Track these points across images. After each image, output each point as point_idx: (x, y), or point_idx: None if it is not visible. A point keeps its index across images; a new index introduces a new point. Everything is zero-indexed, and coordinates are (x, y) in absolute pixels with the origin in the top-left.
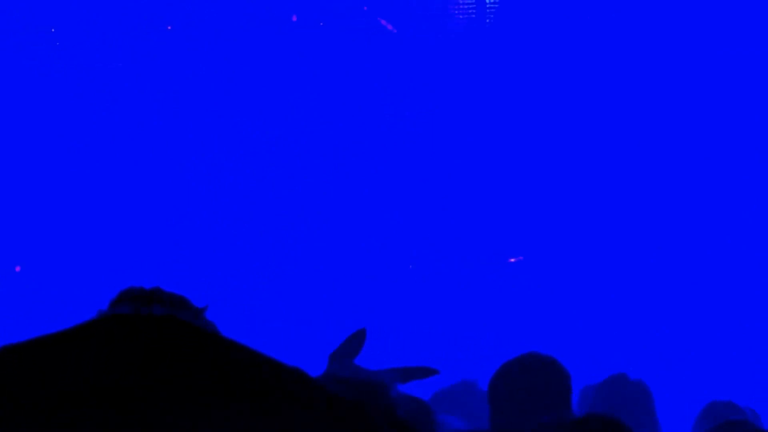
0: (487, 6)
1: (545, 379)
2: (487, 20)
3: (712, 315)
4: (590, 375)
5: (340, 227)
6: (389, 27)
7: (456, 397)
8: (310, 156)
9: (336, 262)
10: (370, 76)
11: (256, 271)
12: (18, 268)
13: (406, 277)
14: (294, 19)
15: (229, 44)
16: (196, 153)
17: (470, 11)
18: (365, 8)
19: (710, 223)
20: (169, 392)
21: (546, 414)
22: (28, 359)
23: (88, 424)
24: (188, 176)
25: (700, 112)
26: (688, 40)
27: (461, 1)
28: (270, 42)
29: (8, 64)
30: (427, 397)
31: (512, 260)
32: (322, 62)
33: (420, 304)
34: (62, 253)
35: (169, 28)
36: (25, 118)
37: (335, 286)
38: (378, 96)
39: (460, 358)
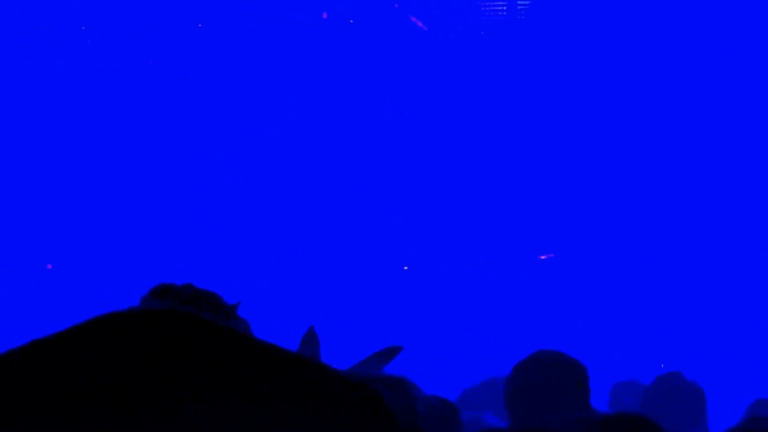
0: (518, 4)
1: (562, 376)
2: (519, 17)
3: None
4: (610, 373)
5: (366, 224)
6: (420, 24)
7: (485, 394)
8: (338, 152)
9: (344, 261)
10: (399, 72)
11: (255, 271)
12: (49, 266)
13: (414, 277)
14: (324, 16)
15: (260, 41)
16: (223, 146)
17: (501, 9)
18: (396, 5)
19: (733, 223)
20: (171, 390)
21: (564, 410)
22: (29, 361)
23: (88, 424)
24: (203, 174)
25: (720, 109)
26: (717, 38)
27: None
28: (301, 39)
29: (39, 60)
30: (453, 397)
31: (543, 257)
32: (352, 59)
33: (430, 304)
34: (93, 251)
35: (200, 25)
36: (55, 117)
37: (336, 286)
38: (406, 92)
39: (476, 357)
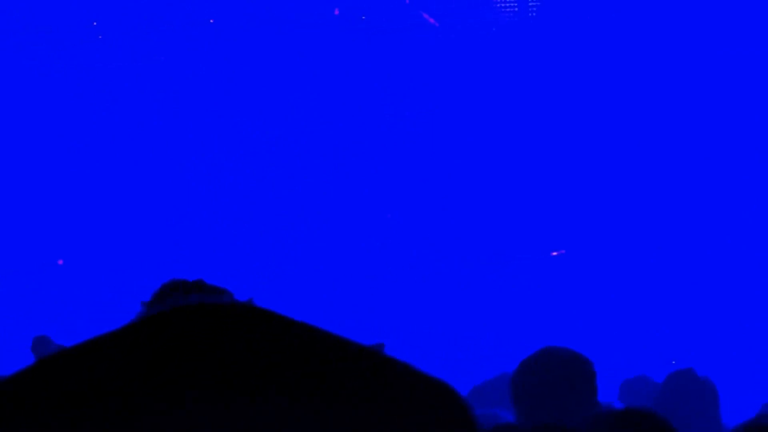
0: (530, 0)
1: (569, 372)
2: (531, 14)
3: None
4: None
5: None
6: (431, 21)
7: (495, 390)
8: (340, 150)
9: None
10: (411, 68)
11: (255, 270)
12: (60, 262)
13: (421, 274)
14: (336, 12)
15: (272, 36)
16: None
17: (513, 6)
18: (407, 1)
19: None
20: (243, 384)
21: (571, 407)
22: (99, 353)
23: (164, 417)
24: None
25: (731, 104)
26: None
27: None
28: (313, 36)
29: (52, 56)
30: (464, 393)
31: (554, 254)
32: (363, 55)
33: (438, 301)
34: (103, 248)
35: (212, 21)
36: (67, 113)
37: (336, 287)
38: (420, 88)
39: (484, 354)
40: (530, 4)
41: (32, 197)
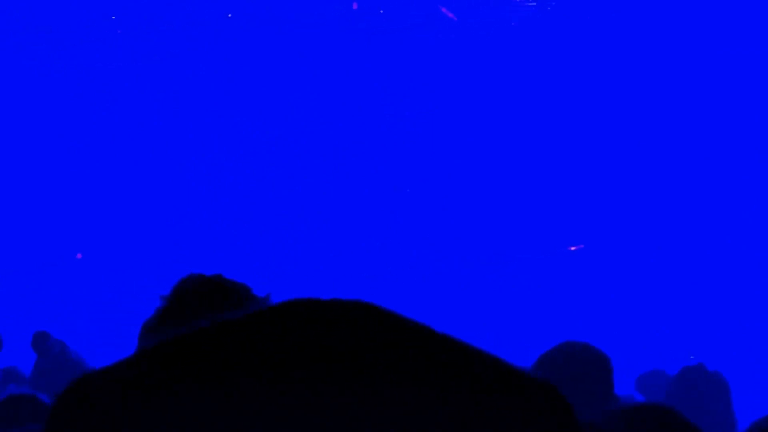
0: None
1: (588, 367)
2: (549, 8)
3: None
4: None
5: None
6: (450, 15)
7: None
8: (341, 148)
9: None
10: (425, 63)
11: (255, 269)
12: (79, 255)
13: (429, 271)
14: (354, 6)
15: (289, 30)
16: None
17: (531, 0)
18: None
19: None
20: (363, 385)
21: (586, 400)
22: (222, 337)
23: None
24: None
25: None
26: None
27: None
28: (331, 29)
29: (71, 51)
30: None
31: (573, 248)
32: (382, 49)
33: (450, 296)
34: (120, 241)
35: (230, 15)
36: (86, 108)
37: (340, 286)
38: (439, 82)
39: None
40: None
41: (43, 194)
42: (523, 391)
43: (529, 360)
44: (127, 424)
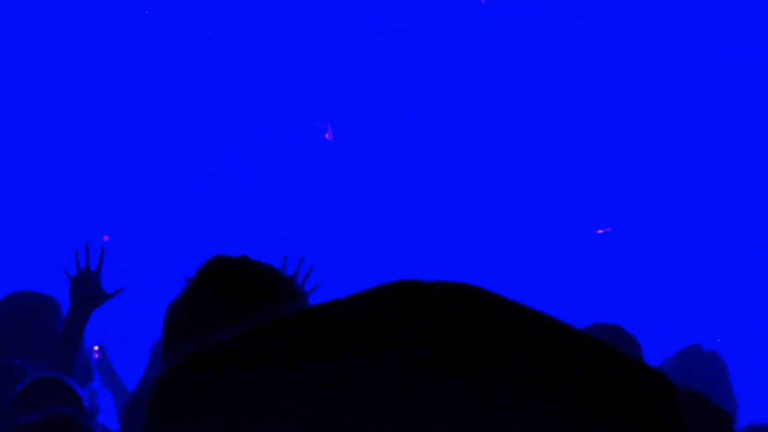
0: None
1: (619, 347)
2: (548, 8)
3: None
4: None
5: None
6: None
7: None
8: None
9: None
10: (429, 62)
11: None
12: (106, 237)
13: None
14: None
15: (290, 30)
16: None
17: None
18: None
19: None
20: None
21: None
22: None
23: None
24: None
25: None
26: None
27: None
28: (331, 29)
29: (71, 51)
30: None
31: (600, 231)
32: (382, 49)
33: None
34: (148, 223)
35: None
36: (67, 112)
37: (339, 285)
38: (439, 82)
39: None
40: None
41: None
42: (639, 379)
43: None
44: (232, 404)
